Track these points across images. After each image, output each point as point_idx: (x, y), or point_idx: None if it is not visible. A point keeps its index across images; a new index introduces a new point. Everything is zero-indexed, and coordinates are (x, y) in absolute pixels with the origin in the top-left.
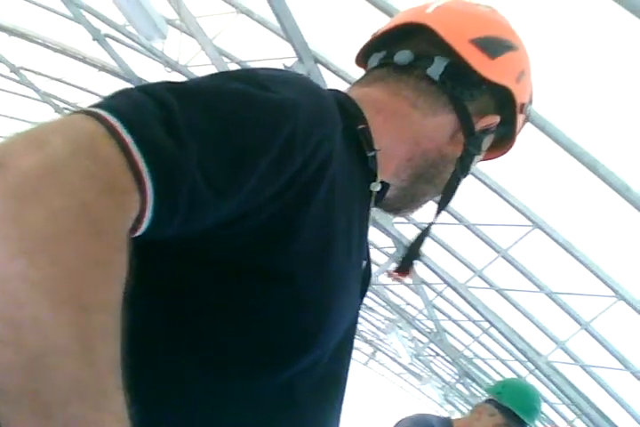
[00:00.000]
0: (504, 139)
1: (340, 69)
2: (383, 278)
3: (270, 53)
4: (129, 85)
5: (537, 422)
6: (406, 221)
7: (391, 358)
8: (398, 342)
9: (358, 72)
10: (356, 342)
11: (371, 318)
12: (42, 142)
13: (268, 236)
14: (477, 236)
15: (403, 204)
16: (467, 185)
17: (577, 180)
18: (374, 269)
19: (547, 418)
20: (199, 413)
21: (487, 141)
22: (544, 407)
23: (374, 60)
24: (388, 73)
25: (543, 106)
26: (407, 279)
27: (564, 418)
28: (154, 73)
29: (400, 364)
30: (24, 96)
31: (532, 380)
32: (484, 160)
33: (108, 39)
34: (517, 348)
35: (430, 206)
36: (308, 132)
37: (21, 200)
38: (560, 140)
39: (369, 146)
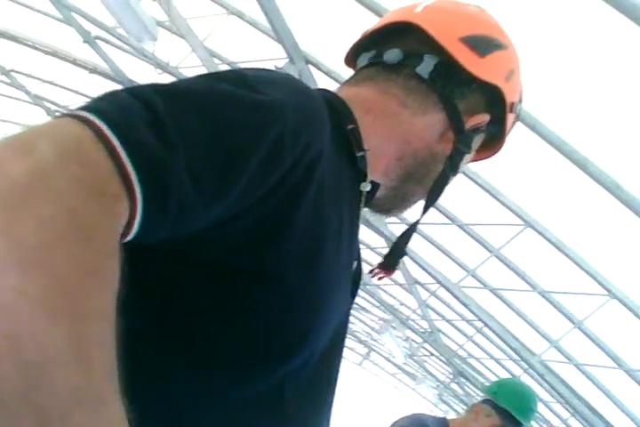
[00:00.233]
0: (494, 138)
1: (331, 70)
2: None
3: (261, 54)
4: (120, 87)
5: (532, 422)
6: (399, 221)
7: (385, 358)
8: (392, 342)
9: (349, 73)
10: (350, 343)
11: (364, 318)
12: (29, 148)
13: (259, 236)
14: (470, 235)
15: (392, 204)
16: (459, 185)
17: (568, 179)
18: (367, 269)
19: (542, 417)
20: (190, 414)
21: (477, 141)
22: (538, 406)
23: (363, 60)
24: (378, 72)
25: (533, 105)
26: (393, 276)
27: (559, 416)
28: (145, 75)
29: (394, 364)
30: (15, 99)
31: (525, 379)
32: (474, 161)
33: (98, 41)
34: (511, 347)
35: (421, 206)
36: (296, 132)
37: (9, 209)
38: (550, 139)
39: (358, 146)
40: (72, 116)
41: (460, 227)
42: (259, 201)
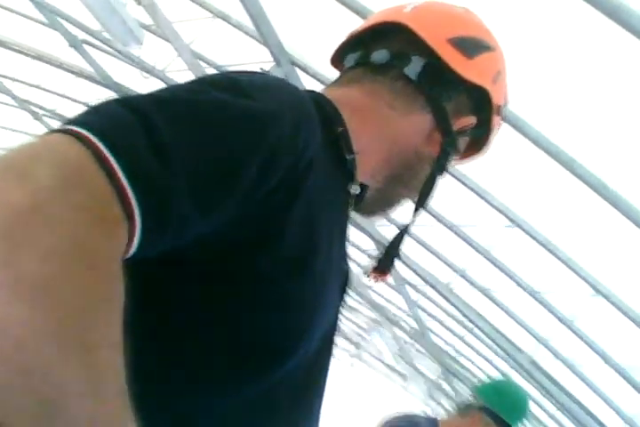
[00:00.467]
0: (478, 140)
1: (317, 73)
2: (366, 279)
3: (248, 58)
4: (106, 91)
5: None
6: (388, 223)
7: (375, 357)
8: (382, 341)
9: (336, 75)
10: (340, 342)
11: (354, 318)
12: (26, 174)
13: (254, 239)
14: (459, 236)
15: (377, 205)
16: (446, 186)
17: (555, 179)
18: (357, 270)
19: (529, 412)
20: (188, 419)
21: (462, 143)
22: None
23: (350, 60)
24: (365, 73)
25: (520, 106)
26: (387, 279)
27: (547, 411)
28: (131, 78)
29: (384, 363)
30: (1, 103)
31: (514, 375)
32: (459, 163)
33: (84, 45)
34: (500, 346)
35: (412, 208)
36: (291, 138)
37: (12, 242)
38: (537, 141)
39: (348, 149)
40: (68, 132)
41: (450, 228)
42: (254, 207)
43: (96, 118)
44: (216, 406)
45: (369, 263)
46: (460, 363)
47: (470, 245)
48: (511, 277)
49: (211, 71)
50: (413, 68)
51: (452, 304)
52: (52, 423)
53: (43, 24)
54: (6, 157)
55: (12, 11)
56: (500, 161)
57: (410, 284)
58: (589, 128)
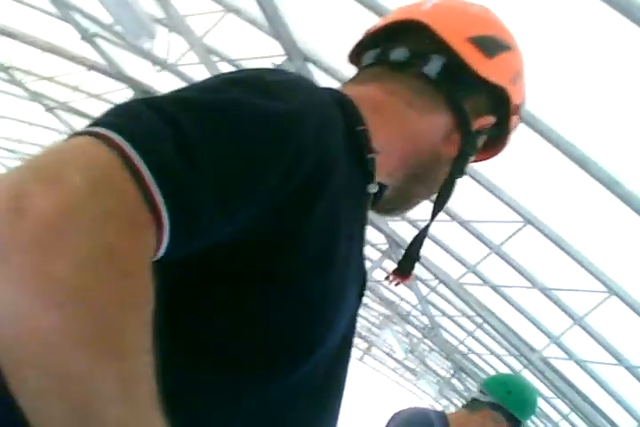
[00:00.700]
0: (495, 140)
1: (329, 67)
2: (377, 275)
3: (260, 52)
4: (118, 84)
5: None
6: (399, 218)
7: (386, 353)
8: (392, 337)
9: (348, 70)
10: None
11: (365, 313)
12: (56, 179)
13: (276, 240)
14: (470, 232)
15: (395, 204)
16: (459, 182)
17: (567, 176)
18: (368, 265)
19: (541, 412)
20: (211, 419)
21: (480, 142)
22: (539, 401)
23: (368, 58)
24: (383, 71)
25: (533, 102)
26: (408, 282)
27: (559, 412)
28: (143, 72)
29: (395, 359)
30: (14, 95)
31: (526, 374)
32: (474, 162)
33: (97, 38)
34: (511, 343)
35: (423, 204)
36: (315, 138)
37: (45, 250)
38: (550, 137)
39: (368, 148)
40: (97, 135)
41: (461, 224)
42: (279, 207)
43: (123, 120)
44: (239, 407)
45: (379, 259)
46: (470, 360)
47: (482, 241)
48: (523, 274)
49: (223, 65)
50: (433, 67)
51: (463, 300)
52: (82, 425)
53: (55, 17)
54: (35, 161)
55: (24, 3)
56: (513, 157)
57: (421, 280)
58: (603, 125)
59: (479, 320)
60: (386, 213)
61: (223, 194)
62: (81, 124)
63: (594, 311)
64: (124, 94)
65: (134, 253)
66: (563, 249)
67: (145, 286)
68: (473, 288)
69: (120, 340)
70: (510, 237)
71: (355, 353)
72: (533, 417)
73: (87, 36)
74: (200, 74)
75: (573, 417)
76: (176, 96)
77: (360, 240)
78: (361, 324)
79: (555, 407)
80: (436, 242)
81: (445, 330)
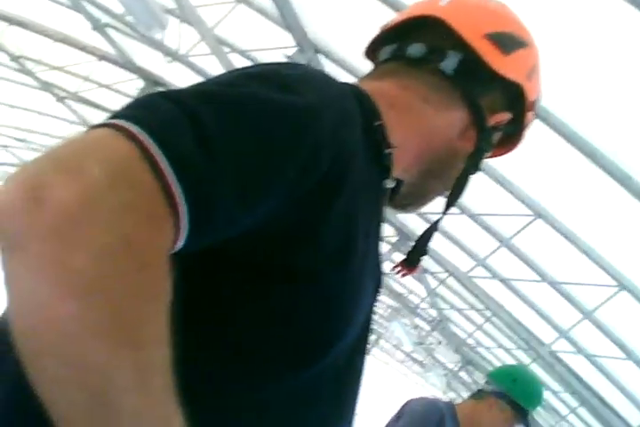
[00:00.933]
0: (509, 136)
1: (340, 59)
2: (386, 267)
3: (271, 43)
4: (129, 75)
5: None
6: None
7: (394, 345)
8: (401, 330)
9: (359, 62)
10: None
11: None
12: (76, 171)
13: (294, 235)
14: (480, 225)
15: (410, 200)
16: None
17: (578, 170)
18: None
19: (549, 406)
20: (231, 411)
21: (495, 138)
22: (547, 395)
23: (385, 54)
24: (400, 67)
25: (546, 96)
26: (415, 274)
27: (568, 406)
28: (154, 62)
29: (403, 351)
30: (24, 85)
31: (534, 368)
32: (489, 158)
33: (108, 28)
34: (520, 337)
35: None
36: (333, 133)
37: (64, 240)
38: (562, 131)
39: (385, 143)
40: (116, 127)
41: (471, 217)
42: (297, 200)
43: (143, 113)
44: (258, 399)
45: (388, 251)
46: (479, 353)
47: (492, 234)
48: (532, 268)
49: (233, 56)
50: (449, 63)
51: (473, 294)
52: (99, 416)
53: (66, 7)
54: (54, 152)
55: None
56: (524, 151)
57: (430, 272)
58: (615, 119)
59: (488, 314)
60: (401, 209)
61: (241, 186)
62: (91, 114)
63: (603, 306)
64: (134, 85)
65: (152, 245)
66: (573, 243)
67: (162, 278)
68: (482, 281)
69: (137, 330)
70: (520, 230)
71: None
72: (541, 411)
73: (98, 26)
74: (211, 65)
75: (582, 411)
76: (195, 90)
77: (376, 236)
78: None
79: (563, 401)
80: (446, 235)
81: (454, 323)
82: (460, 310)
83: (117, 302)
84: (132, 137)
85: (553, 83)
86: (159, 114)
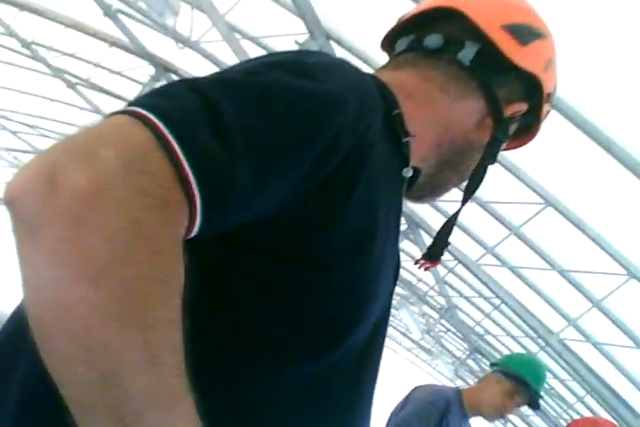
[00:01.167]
0: (525, 128)
1: (352, 46)
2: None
3: (283, 29)
4: (140, 61)
5: (548, 398)
6: None
7: (402, 333)
8: (409, 317)
9: (371, 49)
10: None
11: None
12: (91, 157)
13: (313, 223)
14: (490, 213)
15: (427, 191)
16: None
17: (590, 158)
18: None
19: (557, 394)
20: (243, 400)
21: (511, 130)
22: (555, 384)
23: (402, 44)
24: (418, 57)
25: (559, 85)
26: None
27: (575, 394)
28: (165, 49)
29: (411, 339)
30: (35, 71)
31: (543, 356)
32: (505, 150)
33: (119, 14)
34: (529, 325)
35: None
36: (355, 121)
37: (77, 223)
38: (573, 118)
39: (404, 132)
40: (133, 114)
41: (480, 205)
42: (316, 189)
43: (162, 101)
44: (270, 389)
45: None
46: (487, 341)
47: (501, 222)
48: (542, 256)
49: (245, 43)
50: (467, 53)
51: (482, 282)
52: (109, 396)
53: None
54: (71, 138)
55: None
56: (536, 139)
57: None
58: (627, 107)
59: (497, 302)
60: (417, 200)
61: (258, 175)
62: (102, 100)
63: (612, 294)
64: (145, 71)
65: (165, 231)
66: (583, 231)
67: (175, 262)
68: (491, 269)
69: (148, 313)
70: (530, 218)
71: None
72: (549, 399)
73: (110, 13)
74: (223, 52)
75: (589, 399)
76: (216, 78)
77: (396, 224)
78: None
79: (570, 390)
80: (456, 223)
81: (462, 311)
82: (468, 298)
83: (129, 284)
84: (149, 125)
85: (563, 70)
86: (178, 102)
